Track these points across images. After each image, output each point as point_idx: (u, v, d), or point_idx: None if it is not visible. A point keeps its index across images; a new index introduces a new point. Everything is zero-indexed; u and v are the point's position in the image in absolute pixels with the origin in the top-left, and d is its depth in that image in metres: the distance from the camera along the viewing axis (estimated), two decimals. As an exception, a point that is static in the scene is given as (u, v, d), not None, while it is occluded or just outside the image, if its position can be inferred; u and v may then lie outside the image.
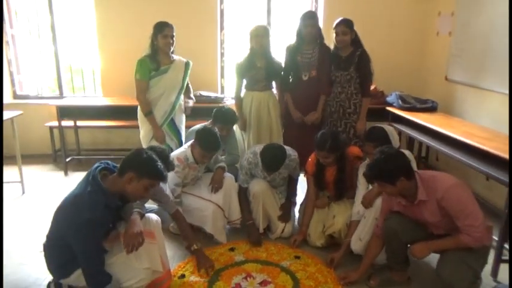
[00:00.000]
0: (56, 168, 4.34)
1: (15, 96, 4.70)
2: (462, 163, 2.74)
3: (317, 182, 2.70)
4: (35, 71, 4.82)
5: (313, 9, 4.59)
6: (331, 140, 2.46)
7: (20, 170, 3.58)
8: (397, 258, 2.25)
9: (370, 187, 2.43)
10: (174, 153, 2.70)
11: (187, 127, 3.31)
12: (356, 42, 3.07)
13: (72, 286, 1.96)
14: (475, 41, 3.54)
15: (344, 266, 2.46)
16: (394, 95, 3.98)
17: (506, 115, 2.98)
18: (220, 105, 3.12)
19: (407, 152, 2.53)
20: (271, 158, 2.56)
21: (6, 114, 3.36)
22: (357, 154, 2.62)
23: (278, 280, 2.34)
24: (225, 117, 2.98)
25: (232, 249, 2.67)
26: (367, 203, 2.39)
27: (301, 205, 2.96)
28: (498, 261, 2.37)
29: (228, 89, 4.73)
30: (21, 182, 3.60)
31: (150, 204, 2.49)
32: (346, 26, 2.98)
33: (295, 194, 3.08)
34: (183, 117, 3.32)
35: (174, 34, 3.03)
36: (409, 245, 2.19)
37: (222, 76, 4.75)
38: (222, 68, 4.72)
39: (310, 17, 3.07)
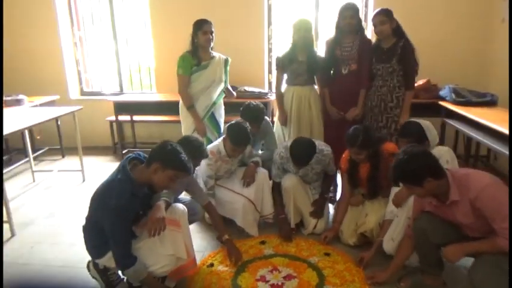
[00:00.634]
0: (114, 159, 4.70)
1: (82, 93, 5.18)
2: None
3: (350, 179, 2.62)
4: (99, 70, 5.26)
5: (364, 3, 4.43)
6: (363, 135, 2.37)
7: (81, 160, 3.95)
8: (428, 260, 2.12)
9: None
10: (209, 147, 2.78)
11: (227, 122, 3.39)
12: (398, 32, 2.91)
13: (106, 266, 2.13)
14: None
15: (374, 266, 2.37)
16: (447, 88, 3.71)
17: None
18: (248, 101, 3.11)
19: (445, 149, 2.39)
20: (299, 152, 2.53)
21: (69, 109, 3.73)
22: (392, 151, 2.48)
23: (303, 276, 2.32)
24: (250, 114, 2.97)
25: (263, 243, 2.71)
26: (398, 202, 2.27)
27: (336, 202, 2.90)
28: None
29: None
30: (82, 170, 3.98)
31: (183, 196, 2.61)
32: (383, 15, 2.84)
33: (330, 191, 3.02)
34: (223, 111, 3.41)
35: (213, 30, 3.12)
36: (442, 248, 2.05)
37: (270, 72, 4.78)
38: (270, 63, 4.75)
39: (348, 8, 2.97)
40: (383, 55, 2.96)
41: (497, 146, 2.80)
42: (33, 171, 4.02)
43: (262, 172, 2.85)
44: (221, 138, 2.83)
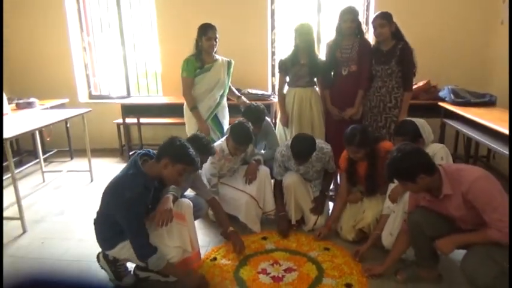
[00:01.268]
0: (121, 160, 4.82)
1: (91, 96, 5.32)
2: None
3: (349, 177, 2.71)
4: (107, 75, 5.40)
5: (365, 6, 4.53)
6: (360, 134, 2.46)
7: (89, 161, 4.07)
8: (423, 253, 2.19)
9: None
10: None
11: (231, 123, 3.49)
12: (397, 35, 3.01)
13: (115, 257, 2.22)
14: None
15: (373, 260, 2.44)
16: (446, 89, 3.78)
17: None
18: (253, 102, 3.21)
19: (440, 146, 2.46)
20: (300, 147, 2.62)
21: (78, 111, 3.86)
22: (389, 149, 2.57)
23: (303, 269, 2.41)
24: (252, 115, 3.05)
25: (264, 238, 2.79)
26: (394, 198, 2.35)
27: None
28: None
29: (279, 88, 4.85)
30: (90, 171, 4.10)
31: (188, 192, 2.71)
32: (382, 18, 2.94)
33: (330, 189, 3.10)
34: (226, 113, 3.51)
35: (217, 35, 3.23)
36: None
37: (273, 75, 4.88)
38: (273, 66, 4.85)
39: (349, 12, 3.07)
40: (382, 57, 3.05)
41: (497, 146, 2.85)
42: (43, 172, 4.15)
43: (263, 170, 2.94)
44: (224, 137, 2.93)
